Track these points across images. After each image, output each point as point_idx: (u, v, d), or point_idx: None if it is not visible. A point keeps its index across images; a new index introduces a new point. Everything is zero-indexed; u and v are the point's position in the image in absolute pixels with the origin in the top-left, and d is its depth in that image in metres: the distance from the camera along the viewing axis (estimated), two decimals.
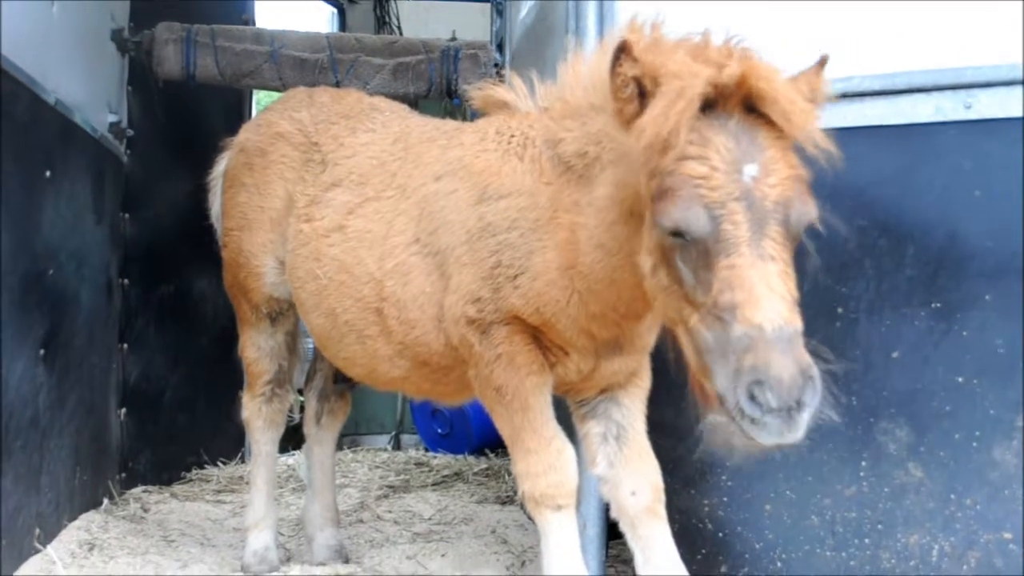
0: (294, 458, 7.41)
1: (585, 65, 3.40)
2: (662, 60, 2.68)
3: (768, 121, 2.63)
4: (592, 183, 3.26)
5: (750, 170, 2.58)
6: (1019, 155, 3.50)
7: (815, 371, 2.48)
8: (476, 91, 3.94)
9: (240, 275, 4.73)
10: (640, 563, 3.67)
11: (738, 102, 2.64)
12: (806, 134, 2.64)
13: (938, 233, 3.57)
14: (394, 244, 3.93)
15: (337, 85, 6.67)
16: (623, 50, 2.69)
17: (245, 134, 4.87)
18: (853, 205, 3.67)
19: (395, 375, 4.12)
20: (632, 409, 3.82)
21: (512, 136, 3.68)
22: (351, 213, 4.16)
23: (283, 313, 4.69)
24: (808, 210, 2.64)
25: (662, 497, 3.66)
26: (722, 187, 2.56)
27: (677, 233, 2.61)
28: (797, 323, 2.51)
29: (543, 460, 3.55)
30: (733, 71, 2.59)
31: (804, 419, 2.47)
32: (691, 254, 2.63)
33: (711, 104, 2.64)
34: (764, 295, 2.50)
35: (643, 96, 2.69)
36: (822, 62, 2.83)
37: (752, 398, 2.44)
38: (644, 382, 3.83)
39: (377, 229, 4.02)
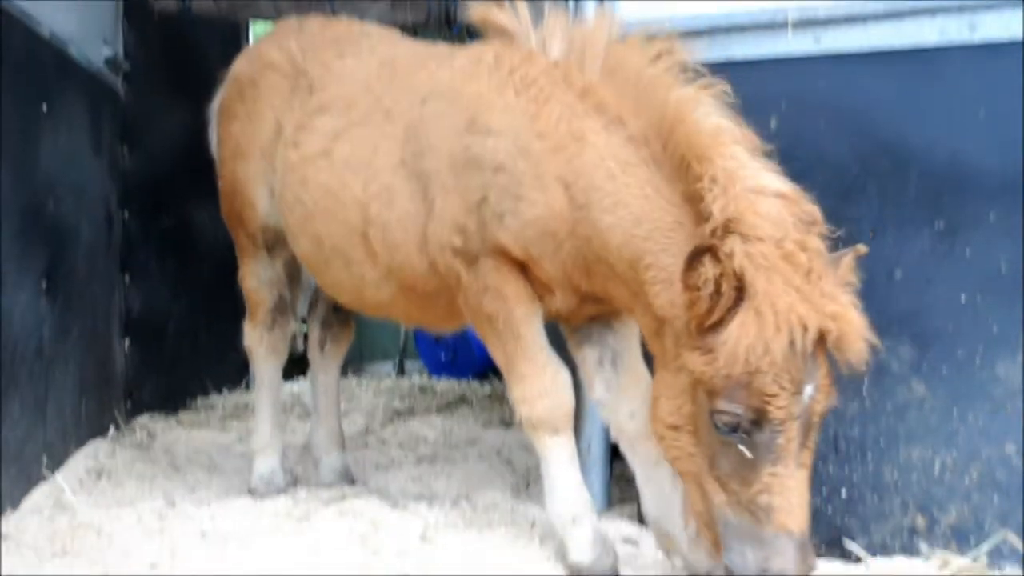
0: (299, 385, 7.44)
1: (604, 38, 3.49)
2: (756, 278, 2.79)
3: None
4: (608, 184, 3.30)
5: (809, 390, 2.83)
6: (1022, 77, 3.49)
7: (816, 566, 2.89)
8: (478, 7, 3.88)
9: (236, 205, 4.74)
10: (641, 481, 3.74)
11: None
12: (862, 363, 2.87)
13: (942, 154, 3.57)
14: (379, 167, 3.91)
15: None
16: (708, 252, 2.80)
17: (238, 65, 4.87)
18: (857, 128, 3.67)
19: (382, 299, 4.14)
20: (627, 335, 3.86)
21: (513, 70, 3.64)
22: (337, 138, 4.14)
23: (280, 242, 4.67)
24: (832, 406, 2.97)
25: None
26: (787, 408, 2.79)
27: (729, 430, 2.85)
28: None
29: (538, 385, 3.60)
30: (833, 326, 2.79)
31: None
32: (732, 450, 2.88)
33: None
34: (797, 505, 2.83)
35: (718, 292, 2.80)
36: (857, 252, 2.99)
37: None
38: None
39: (362, 153, 4.01)
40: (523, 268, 3.61)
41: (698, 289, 2.83)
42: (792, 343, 2.74)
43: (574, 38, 3.61)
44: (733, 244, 2.82)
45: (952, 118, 3.58)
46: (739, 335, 2.77)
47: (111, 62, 6.13)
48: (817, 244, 2.90)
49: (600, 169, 3.32)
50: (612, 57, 3.48)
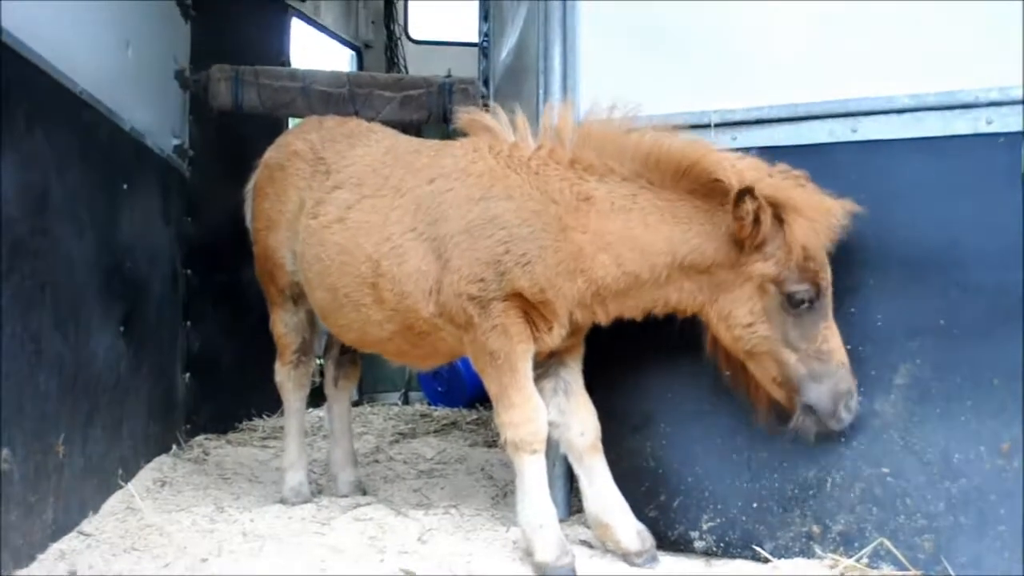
0: (323, 411, 7.38)
1: (590, 124, 3.63)
2: (788, 192, 3.25)
3: None
4: (616, 218, 3.49)
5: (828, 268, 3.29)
6: (896, 170, 3.52)
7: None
8: (464, 114, 3.98)
9: (268, 266, 4.75)
10: (585, 484, 3.80)
11: None
12: None
13: None
14: (391, 232, 3.93)
15: (356, 114, 6.65)
16: (749, 192, 3.16)
17: (269, 153, 4.89)
18: None
19: (382, 336, 4.13)
20: (575, 369, 3.91)
21: (510, 156, 3.71)
22: (350, 208, 4.17)
23: (303, 295, 4.68)
24: None
25: (600, 435, 3.78)
26: (827, 278, 3.27)
27: (800, 303, 3.24)
28: None
29: (523, 413, 3.59)
30: (845, 210, 3.28)
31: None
32: (801, 318, 3.26)
33: None
34: (840, 345, 3.30)
35: (756, 219, 3.19)
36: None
37: (847, 407, 3.28)
38: (582, 346, 3.92)
39: (374, 220, 4.03)
40: (526, 312, 3.63)
41: (743, 219, 3.19)
42: (829, 229, 3.22)
43: (546, 127, 3.71)
44: (756, 185, 3.21)
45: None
46: (798, 234, 3.18)
47: (179, 149, 6.17)
48: (787, 169, 3.37)
49: (615, 210, 3.48)
50: (583, 131, 3.62)
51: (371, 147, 4.42)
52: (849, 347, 3.49)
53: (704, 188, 3.38)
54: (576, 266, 3.50)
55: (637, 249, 3.45)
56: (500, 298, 3.60)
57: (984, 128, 3.41)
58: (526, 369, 3.64)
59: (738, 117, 3.81)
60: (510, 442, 3.62)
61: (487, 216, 3.61)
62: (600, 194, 3.51)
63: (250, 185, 4.98)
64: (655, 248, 3.43)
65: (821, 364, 3.25)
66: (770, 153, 3.70)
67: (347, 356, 5.09)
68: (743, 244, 3.27)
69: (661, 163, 3.44)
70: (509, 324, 3.60)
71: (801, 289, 3.22)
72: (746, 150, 3.77)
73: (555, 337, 3.68)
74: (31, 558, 3.50)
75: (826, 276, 3.25)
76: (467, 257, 3.64)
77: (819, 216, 3.20)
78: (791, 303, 3.23)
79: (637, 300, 3.56)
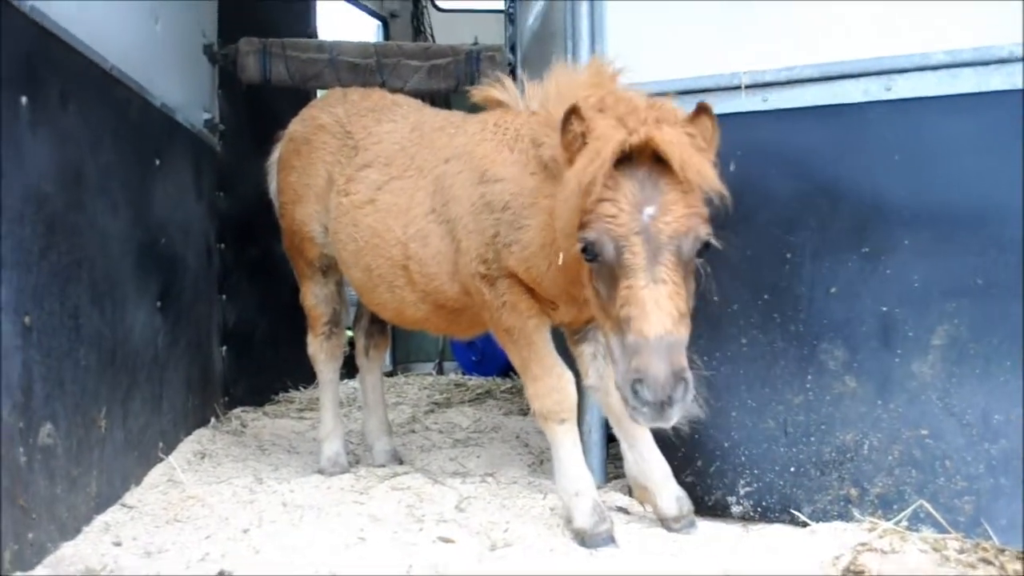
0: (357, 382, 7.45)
1: (563, 81, 3.45)
2: (596, 122, 2.81)
3: (671, 170, 2.70)
4: (560, 181, 3.23)
5: (650, 210, 2.71)
6: (931, 128, 3.46)
7: (688, 373, 2.64)
8: (477, 90, 3.96)
9: (296, 240, 4.77)
10: (626, 448, 3.81)
11: (648, 156, 2.73)
12: (700, 180, 2.72)
13: (866, 192, 3.53)
14: (415, 214, 3.96)
15: (383, 84, 6.65)
16: (573, 112, 2.83)
17: (293, 127, 4.90)
18: (798, 171, 3.65)
19: (418, 316, 4.19)
20: None
21: (507, 130, 3.70)
22: (380, 189, 4.18)
23: (332, 266, 4.73)
24: (700, 236, 2.77)
25: None
26: (625, 224, 2.71)
27: (591, 257, 2.80)
28: (679, 334, 2.66)
29: (547, 384, 3.60)
30: (640, 136, 2.71)
31: (673, 412, 2.64)
32: (603, 275, 2.82)
33: (628, 157, 2.74)
34: (652, 311, 2.63)
35: (584, 139, 2.84)
36: (703, 108, 2.88)
37: (635, 393, 2.64)
38: None
39: (401, 202, 4.05)
40: (531, 290, 3.64)
41: (570, 141, 2.89)
42: (614, 156, 2.71)
43: (548, 93, 3.54)
44: (592, 106, 2.92)
45: (873, 162, 3.53)
46: (576, 165, 2.81)
47: (209, 124, 6.18)
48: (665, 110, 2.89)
49: (558, 166, 3.26)
50: (563, 91, 3.42)
51: (397, 123, 4.44)
52: (885, 309, 3.46)
53: None
54: (552, 251, 3.45)
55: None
56: (504, 276, 3.63)
57: (1020, 84, 3.33)
58: (543, 341, 3.66)
59: (769, 78, 3.74)
60: (538, 413, 3.65)
61: (483, 201, 3.64)
62: (546, 153, 3.40)
63: (273, 157, 5.02)
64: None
65: (620, 334, 2.73)
66: (803, 115, 3.67)
67: (376, 326, 5.13)
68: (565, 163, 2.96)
69: None
70: (516, 300, 3.63)
71: (586, 237, 2.80)
72: (778, 111, 3.74)
73: (563, 314, 3.69)
74: (76, 530, 3.56)
75: (624, 223, 2.72)
76: (473, 238, 3.68)
77: (602, 142, 2.74)
78: (584, 255, 2.85)
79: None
